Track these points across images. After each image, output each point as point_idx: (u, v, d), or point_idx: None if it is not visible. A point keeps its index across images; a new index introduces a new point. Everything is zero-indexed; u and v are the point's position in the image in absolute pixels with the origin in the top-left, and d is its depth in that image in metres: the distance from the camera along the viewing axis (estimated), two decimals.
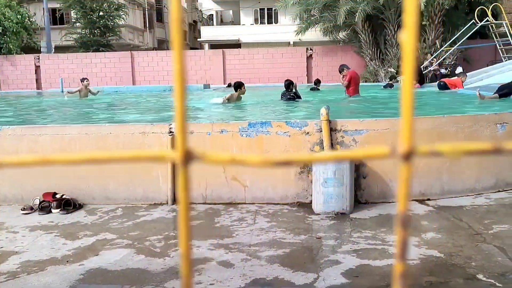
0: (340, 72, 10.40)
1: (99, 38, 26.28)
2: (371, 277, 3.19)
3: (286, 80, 10.58)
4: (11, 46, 24.22)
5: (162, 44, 35.73)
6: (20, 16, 25.05)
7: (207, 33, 29.85)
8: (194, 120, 6.60)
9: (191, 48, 34.41)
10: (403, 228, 0.40)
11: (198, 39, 32.12)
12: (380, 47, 19.64)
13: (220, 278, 3.16)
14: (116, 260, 3.49)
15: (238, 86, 10.04)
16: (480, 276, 3.11)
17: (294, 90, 10.18)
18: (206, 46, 29.27)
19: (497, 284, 2.99)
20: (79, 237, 4.03)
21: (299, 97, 10.22)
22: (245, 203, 4.98)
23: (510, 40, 15.19)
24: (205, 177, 5.01)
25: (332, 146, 4.97)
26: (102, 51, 24.55)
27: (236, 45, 27.59)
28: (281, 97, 10.33)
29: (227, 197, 5.04)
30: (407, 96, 0.41)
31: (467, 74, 12.91)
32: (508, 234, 3.88)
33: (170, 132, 4.95)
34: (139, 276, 3.22)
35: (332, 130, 4.97)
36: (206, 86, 17.60)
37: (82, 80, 13.35)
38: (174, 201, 5.00)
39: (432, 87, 13.28)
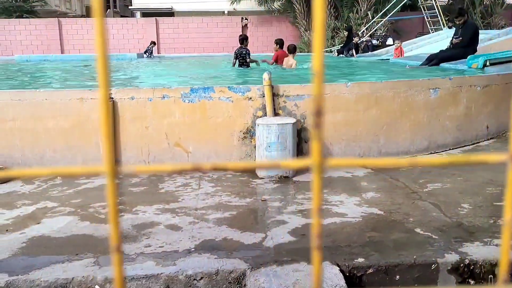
0: (276, 43, 10.48)
1: (22, 4, 24.58)
2: None
3: (241, 35, 10.42)
4: None
5: (91, 12, 34.03)
6: None
7: (139, 0, 28.74)
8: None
9: (121, 16, 33.05)
10: None
11: (129, 7, 30.83)
12: None
13: (169, 241, 3.15)
14: (60, 227, 3.37)
15: (294, 48, 9.88)
16: (418, 230, 3.30)
17: (247, 48, 10.00)
18: (138, 14, 28.18)
19: (434, 236, 3.19)
20: (17, 206, 3.84)
21: (250, 60, 9.98)
22: None
23: (437, 12, 15.85)
24: (147, 144, 4.92)
25: (275, 111, 5.02)
26: (26, 17, 23.03)
27: (169, 13, 26.81)
28: (236, 60, 10.02)
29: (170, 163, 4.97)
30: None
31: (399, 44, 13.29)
32: (441, 192, 4.14)
33: (110, 98, 4.78)
34: (87, 242, 3.14)
35: (274, 95, 5.01)
36: (140, 55, 17.08)
37: None
38: None
39: (365, 57, 13.67)
